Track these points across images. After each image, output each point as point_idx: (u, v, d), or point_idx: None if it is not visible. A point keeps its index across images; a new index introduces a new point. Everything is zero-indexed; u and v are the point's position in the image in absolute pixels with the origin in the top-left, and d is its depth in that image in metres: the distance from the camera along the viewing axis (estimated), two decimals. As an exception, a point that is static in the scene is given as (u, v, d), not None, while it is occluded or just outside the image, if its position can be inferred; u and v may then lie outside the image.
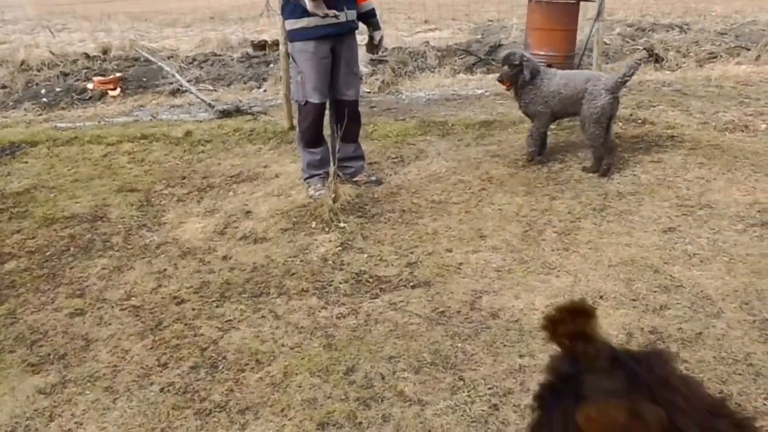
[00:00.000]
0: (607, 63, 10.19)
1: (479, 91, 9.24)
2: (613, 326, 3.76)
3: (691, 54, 10.85)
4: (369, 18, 5.70)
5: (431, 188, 5.76)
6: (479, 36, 13.74)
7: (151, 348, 3.85)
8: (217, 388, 3.46)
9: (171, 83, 10.47)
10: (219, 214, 5.56)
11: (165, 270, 4.74)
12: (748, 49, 10.89)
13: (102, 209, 5.80)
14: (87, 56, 12.74)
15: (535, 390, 1.55)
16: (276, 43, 12.74)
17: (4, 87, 10.85)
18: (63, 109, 9.71)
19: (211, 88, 10.50)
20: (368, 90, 9.71)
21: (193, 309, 4.22)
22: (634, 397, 1.33)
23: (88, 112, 9.53)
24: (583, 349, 1.42)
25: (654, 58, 10.67)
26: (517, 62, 5.84)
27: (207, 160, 6.93)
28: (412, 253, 4.74)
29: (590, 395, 1.37)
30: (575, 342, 1.44)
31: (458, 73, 10.67)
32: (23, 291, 4.57)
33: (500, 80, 6.07)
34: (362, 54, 8.42)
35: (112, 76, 10.85)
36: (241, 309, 4.18)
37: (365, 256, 4.74)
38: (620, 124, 7.08)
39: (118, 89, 10.48)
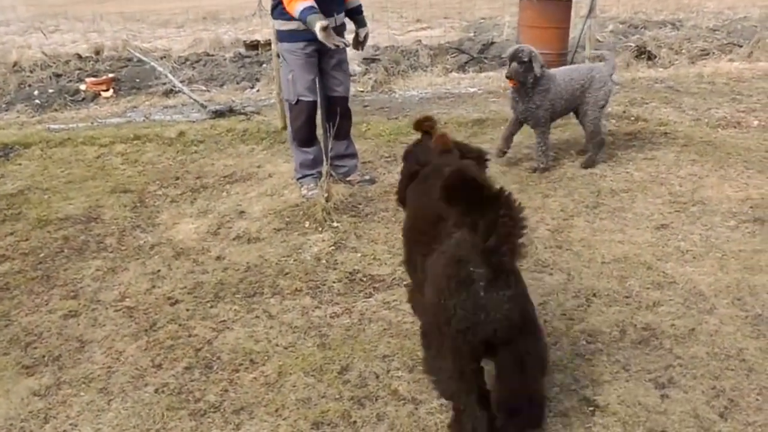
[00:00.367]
0: (600, 60, 10.19)
1: (472, 90, 9.25)
2: (607, 323, 3.77)
3: (683, 51, 10.87)
4: (355, 15, 5.70)
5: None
6: (471, 34, 13.75)
7: (146, 349, 3.85)
8: (211, 389, 3.46)
9: (164, 84, 10.46)
10: (212, 215, 5.56)
11: (159, 271, 4.74)
12: (741, 46, 10.91)
13: (95, 210, 5.79)
14: (79, 57, 12.74)
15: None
16: (268, 43, 12.71)
17: (-4, 88, 10.83)
18: (56, 110, 9.69)
19: (204, 88, 10.49)
20: (361, 89, 9.71)
21: (187, 309, 4.22)
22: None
23: (81, 113, 9.52)
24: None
25: (646, 55, 10.69)
26: (526, 58, 5.58)
27: (200, 160, 6.92)
28: (405, 251, 4.75)
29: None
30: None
31: (451, 71, 10.67)
32: (17, 293, 4.56)
33: (509, 77, 5.74)
34: (356, 53, 8.44)
35: (104, 77, 10.84)
36: (235, 309, 4.19)
37: (359, 255, 4.75)
38: (613, 121, 7.10)
39: (111, 90, 10.47)
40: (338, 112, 5.58)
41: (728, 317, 3.77)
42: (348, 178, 5.90)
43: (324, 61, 5.52)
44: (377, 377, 3.46)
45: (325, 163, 5.46)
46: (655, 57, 10.61)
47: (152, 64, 10.74)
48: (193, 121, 8.43)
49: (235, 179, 6.32)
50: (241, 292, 4.38)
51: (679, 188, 5.43)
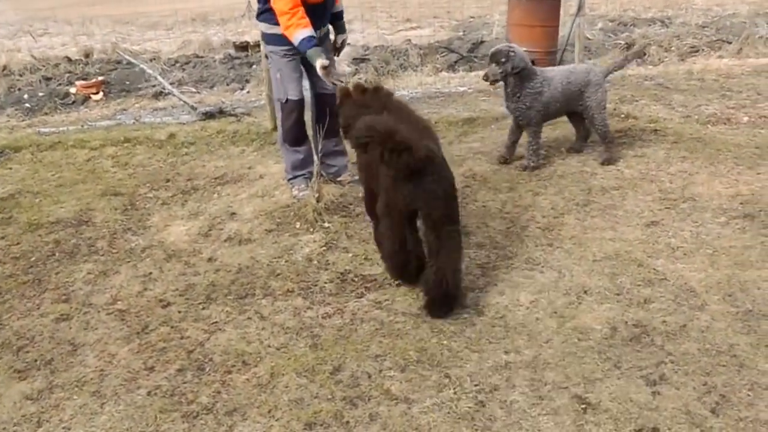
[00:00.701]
0: (589, 58, 10.24)
1: (462, 89, 9.25)
2: (598, 320, 3.79)
3: (672, 48, 10.90)
4: (336, 20, 5.69)
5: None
6: (461, 33, 13.75)
7: (138, 352, 3.85)
8: (204, 391, 3.46)
9: (154, 86, 10.43)
10: (203, 217, 5.55)
11: (150, 273, 4.73)
12: (730, 42, 10.95)
13: (86, 214, 5.77)
14: (69, 60, 12.67)
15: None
16: (258, 44, 12.67)
17: (-14, 92, 10.79)
18: (46, 114, 9.65)
19: (194, 90, 10.46)
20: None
21: (179, 312, 4.22)
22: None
23: (71, 116, 9.47)
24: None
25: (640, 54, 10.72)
26: (503, 59, 5.58)
27: (191, 162, 6.91)
28: (397, 251, 4.75)
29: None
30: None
31: (440, 71, 10.68)
32: (8, 297, 4.55)
33: (485, 79, 5.77)
34: (347, 53, 8.43)
35: (94, 80, 10.80)
36: (226, 311, 4.19)
37: (350, 255, 4.75)
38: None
39: (101, 93, 10.43)
40: (327, 109, 5.58)
41: (719, 313, 3.79)
42: (338, 179, 5.89)
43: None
44: (369, 377, 3.47)
45: (315, 163, 5.46)
46: (645, 54, 10.64)
47: (142, 66, 10.71)
48: (184, 123, 8.40)
49: (226, 181, 6.31)
50: (232, 294, 4.38)
51: (670, 185, 5.45)
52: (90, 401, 3.47)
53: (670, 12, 14.75)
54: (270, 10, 5.21)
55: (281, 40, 5.26)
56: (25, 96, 10.50)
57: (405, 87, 9.74)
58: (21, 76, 11.53)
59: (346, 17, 5.83)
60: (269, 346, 3.79)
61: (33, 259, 5.06)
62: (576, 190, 5.48)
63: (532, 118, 5.81)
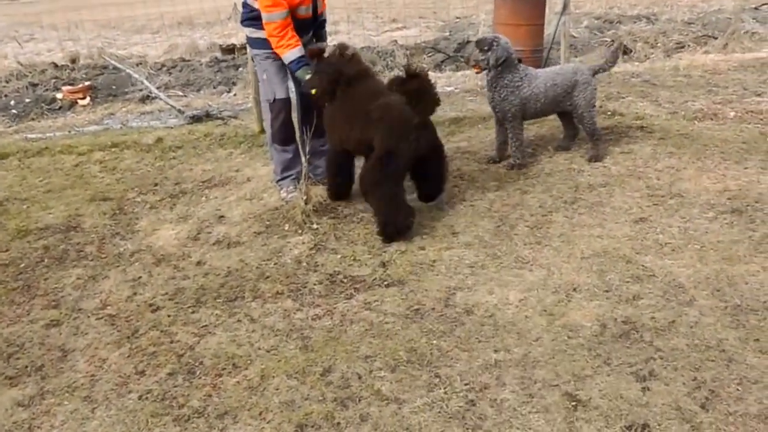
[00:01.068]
0: (576, 56, 10.26)
1: (449, 89, 9.26)
2: (587, 317, 3.79)
3: (659, 44, 10.96)
4: (318, 30, 5.72)
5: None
6: (447, 33, 13.79)
7: (128, 356, 3.84)
8: (195, 394, 3.46)
9: (140, 90, 10.41)
10: (192, 220, 5.54)
11: (140, 278, 4.72)
12: (715, 38, 11.02)
13: (75, 219, 5.76)
14: (55, 66, 12.63)
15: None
16: (244, 47, 12.66)
17: (-28, 99, 10.73)
18: (33, 120, 9.62)
19: (181, 93, 10.44)
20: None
21: (169, 315, 4.21)
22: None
23: (58, 122, 9.44)
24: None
25: (622, 49, 10.75)
26: (486, 47, 5.66)
27: (179, 166, 6.90)
28: (385, 252, 4.76)
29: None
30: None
31: (427, 70, 10.66)
32: (-3, 304, 4.54)
33: (466, 61, 5.90)
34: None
35: (81, 85, 10.76)
36: (216, 314, 4.18)
37: (339, 256, 4.75)
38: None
39: (88, 98, 10.40)
40: (314, 109, 5.60)
41: (708, 308, 3.81)
42: (326, 180, 5.89)
43: None
44: (360, 378, 3.47)
45: (303, 165, 5.47)
46: (631, 51, 10.68)
47: (128, 71, 10.69)
48: (171, 127, 8.40)
49: (214, 184, 6.31)
50: (222, 297, 4.37)
51: (657, 181, 5.47)
52: (81, 406, 3.46)
53: (656, 9, 14.82)
54: (254, 17, 5.27)
55: (265, 43, 5.31)
56: (12, 102, 10.46)
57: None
58: (7, 82, 11.49)
59: (332, 18, 5.88)
60: (259, 349, 3.79)
61: (22, 265, 5.04)
62: (564, 187, 5.50)
63: (507, 111, 5.81)
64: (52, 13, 20.85)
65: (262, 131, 7.49)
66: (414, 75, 4.96)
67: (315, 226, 5.18)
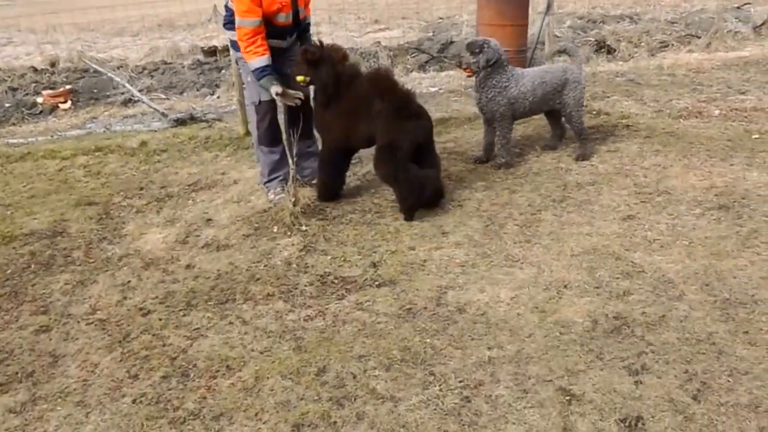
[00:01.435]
0: (560, 56, 10.31)
1: (433, 89, 9.29)
2: (579, 313, 3.82)
3: (642, 44, 11.04)
4: (302, 33, 5.72)
5: (391, 188, 5.77)
6: (430, 34, 13.80)
7: (121, 360, 3.82)
8: (189, 396, 3.45)
9: (122, 93, 10.36)
10: (180, 224, 5.52)
11: (129, 282, 4.70)
12: (699, 37, 11.12)
13: (61, 224, 5.72)
14: (35, 70, 12.54)
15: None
16: (227, 49, 12.61)
17: (-49, 105, 10.64)
18: (14, 124, 9.55)
19: (164, 96, 10.40)
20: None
21: (160, 319, 4.19)
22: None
23: (39, 126, 9.39)
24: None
25: (606, 49, 10.83)
26: (477, 50, 5.69)
27: (164, 169, 6.87)
28: (375, 252, 4.76)
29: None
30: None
31: (411, 71, 10.72)
32: (-15, 311, 4.50)
33: (458, 64, 5.93)
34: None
35: (62, 89, 10.70)
36: (208, 316, 4.17)
37: (329, 257, 4.75)
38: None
39: (69, 102, 10.34)
40: (299, 111, 5.60)
41: (697, 303, 3.85)
42: (314, 181, 5.90)
43: (282, 63, 5.52)
44: (354, 377, 3.47)
45: (291, 166, 5.46)
46: (615, 51, 10.76)
47: (110, 74, 10.63)
48: (155, 131, 8.37)
49: (201, 187, 6.28)
50: (213, 300, 4.36)
51: (644, 179, 5.51)
52: (75, 411, 3.44)
53: (639, 9, 14.93)
54: (234, 18, 5.26)
55: None
56: (-8, 107, 10.38)
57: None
58: (-14, 87, 11.40)
59: (314, 20, 5.90)
60: (253, 350, 3.78)
61: (8, 271, 5.00)
62: (552, 186, 5.53)
63: (495, 112, 5.83)
64: (30, 16, 20.73)
65: (247, 134, 7.49)
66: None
67: (304, 227, 5.17)
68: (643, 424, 3.02)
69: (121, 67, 12.27)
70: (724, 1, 13.79)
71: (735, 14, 12.76)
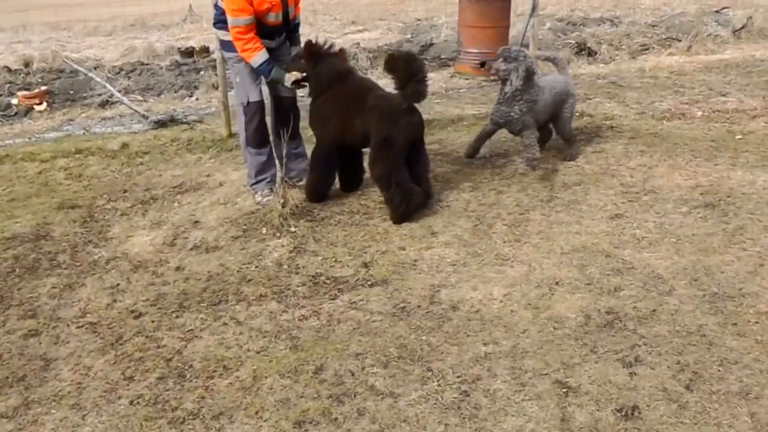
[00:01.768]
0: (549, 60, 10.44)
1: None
2: (571, 309, 3.88)
3: (623, 46, 11.17)
4: (292, 33, 5.74)
5: (378, 189, 5.78)
6: (409, 35, 13.83)
7: (115, 363, 3.79)
8: (187, 396, 3.44)
9: (99, 95, 10.22)
10: (166, 226, 5.49)
11: (118, 285, 4.66)
12: (679, 41, 11.31)
13: (44, 228, 5.64)
14: (8, 70, 12.32)
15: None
16: (205, 50, 12.59)
17: None
18: (-12, 126, 9.41)
19: (141, 98, 10.30)
20: (302, 94, 9.66)
21: (153, 321, 4.17)
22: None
23: (15, 128, 9.23)
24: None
25: (587, 51, 10.93)
26: (511, 59, 5.50)
27: (147, 171, 6.82)
28: (365, 252, 4.78)
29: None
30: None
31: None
32: (-29, 316, 4.44)
33: (487, 68, 5.81)
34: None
35: (37, 90, 10.52)
36: (201, 318, 4.16)
37: (319, 258, 4.76)
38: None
39: (45, 103, 10.19)
40: (287, 112, 5.61)
41: (687, 297, 3.93)
42: (300, 183, 5.90)
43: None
44: (353, 374, 3.49)
45: (279, 168, 5.46)
46: (596, 53, 10.87)
47: (90, 75, 10.52)
48: (135, 132, 8.30)
49: (186, 189, 6.25)
50: (205, 301, 4.35)
51: (630, 179, 5.59)
52: (70, 414, 3.41)
53: (619, 11, 15.09)
54: (227, 19, 5.24)
55: None
56: (-35, 109, 10.22)
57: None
58: (-43, 88, 11.21)
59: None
60: (249, 350, 3.78)
61: (-7, 275, 4.94)
62: (539, 187, 5.59)
63: (525, 124, 5.75)
64: (-1, 14, 20.41)
65: (231, 136, 7.47)
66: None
67: (293, 229, 5.18)
68: (639, 413, 3.09)
69: (98, 67, 12.08)
70: (704, 5, 13.98)
71: (714, 18, 12.99)
